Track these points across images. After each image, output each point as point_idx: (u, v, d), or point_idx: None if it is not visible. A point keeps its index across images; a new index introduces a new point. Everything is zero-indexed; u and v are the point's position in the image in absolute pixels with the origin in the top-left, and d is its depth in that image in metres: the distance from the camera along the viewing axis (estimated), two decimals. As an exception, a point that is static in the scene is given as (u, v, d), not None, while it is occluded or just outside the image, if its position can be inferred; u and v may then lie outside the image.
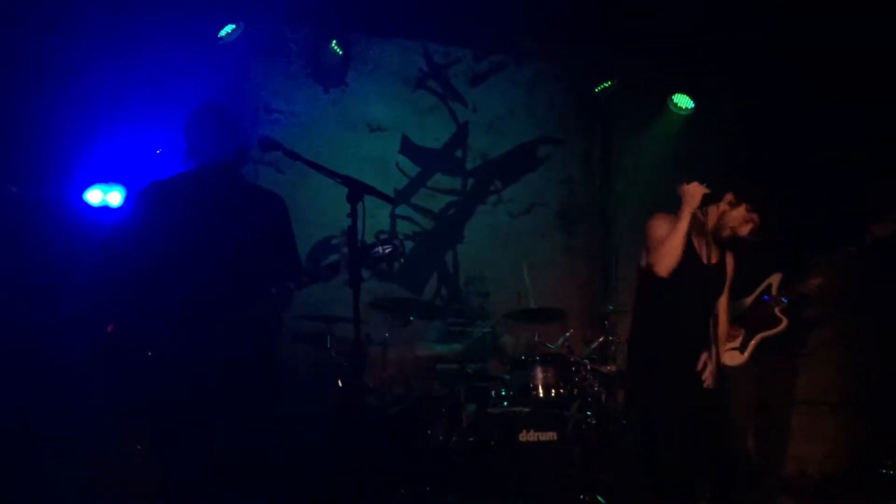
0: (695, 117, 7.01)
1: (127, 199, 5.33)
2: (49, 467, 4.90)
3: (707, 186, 3.81)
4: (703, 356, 3.89)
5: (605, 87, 7.16)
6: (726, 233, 4.02)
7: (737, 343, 4.67)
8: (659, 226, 3.93)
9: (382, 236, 6.45)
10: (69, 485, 4.93)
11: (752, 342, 4.65)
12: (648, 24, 6.26)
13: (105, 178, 5.29)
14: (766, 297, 4.74)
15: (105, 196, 5.34)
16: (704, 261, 3.88)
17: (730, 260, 4.04)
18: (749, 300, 4.74)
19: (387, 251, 3.29)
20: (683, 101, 7.03)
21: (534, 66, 7.31)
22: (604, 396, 5.57)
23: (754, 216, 4.26)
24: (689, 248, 3.89)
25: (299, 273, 3.36)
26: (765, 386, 4.86)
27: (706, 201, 3.79)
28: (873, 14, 5.31)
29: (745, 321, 4.70)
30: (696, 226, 3.93)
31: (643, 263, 4.04)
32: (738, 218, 4.02)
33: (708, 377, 3.84)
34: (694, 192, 3.79)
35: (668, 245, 3.79)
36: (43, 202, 5.14)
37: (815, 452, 6.09)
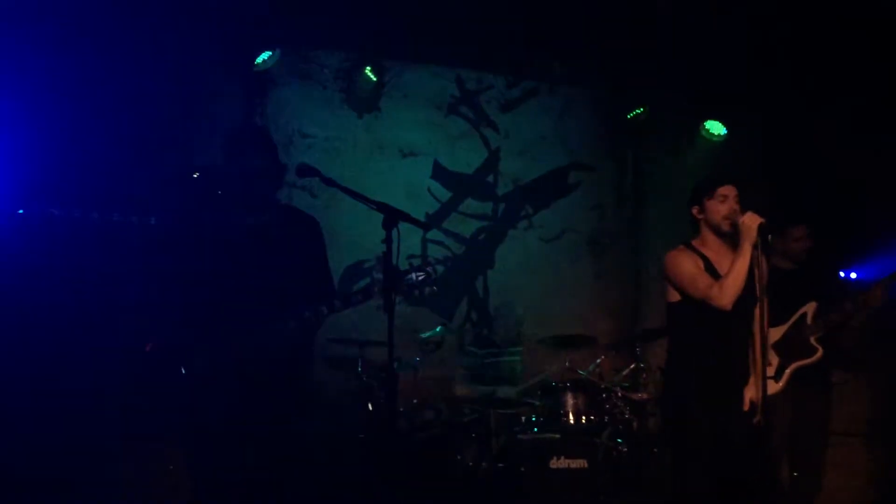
0: (727, 145, 6.99)
1: (163, 221, 5.42)
2: (82, 487, 4.95)
3: (761, 216, 3.81)
4: (748, 393, 3.87)
5: (636, 113, 7.16)
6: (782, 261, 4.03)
7: (771, 371, 4.63)
8: (683, 261, 3.97)
9: (415, 262, 6.49)
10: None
11: (788, 371, 4.61)
12: (680, 52, 6.28)
13: (145, 201, 5.39)
14: (801, 325, 4.71)
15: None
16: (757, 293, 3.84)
17: (759, 272, 3.91)
18: (784, 329, 4.71)
19: (420, 278, 3.31)
20: (716, 128, 7.01)
21: (565, 93, 7.34)
22: (635, 424, 5.52)
23: (809, 240, 4.32)
24: (713, 272, 3.92)
25: (332, 296, 3.40)
26: (799, 416, 4.81)
27: (762, 231, 3.77)
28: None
29: (780, 350, 4.67)
30: (711, 247, 3.96)
31: (672, 298, 4.05)
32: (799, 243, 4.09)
33: (757, 415, 3.79)
34: (751, 223, 3.79)
35: (732, 279, 3.79)
36: (83, 222, 5.24)
37: (847, 484, 5.99)
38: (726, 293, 3.81)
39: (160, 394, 3.35)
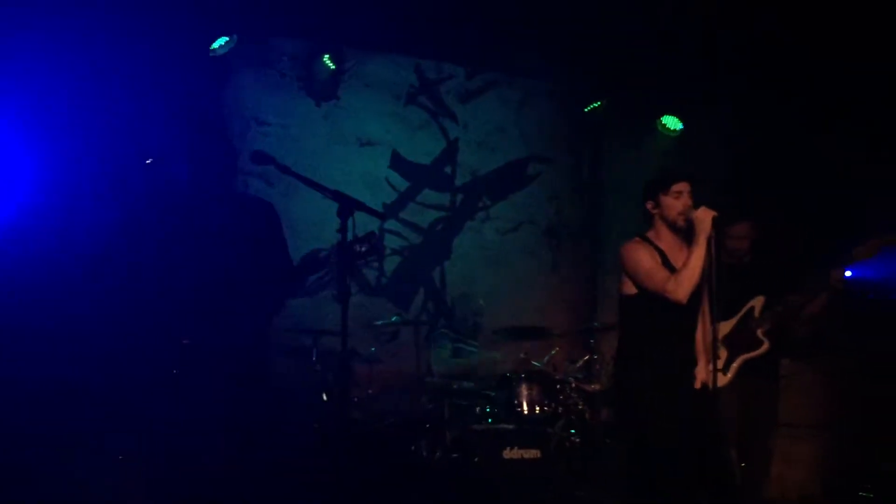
0: (684, 139, 7.07)
1: (119, 210, 5.32)
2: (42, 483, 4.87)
3: (714, 209, 3.89)
4: (700, 375, 4.00)
5: (594, 106, 7.22)
6: (726, 257, 4.11)
7: (720, 364, 4.70)
8: (641, 255, 4.03)
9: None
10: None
11: (735, 363, 4.69)
12: (638, 46, 6.33)
13: (96, 189, 5.28)
14: (748, 318, 4.79)
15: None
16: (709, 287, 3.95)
17: (710, 267, 4.01)
18: (732, 322, 4.79)
19: (363, 249, 3.30)
20: (672, 123, 7.09)
21: (525, 85, 7.36)
22: (588, 414, 5.58)
23: (752, 234, 4.40)
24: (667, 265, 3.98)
25: (292, 274, 3.41)
26: (747, 408, 4.90)
27: (716, 225, 3.85)
28: (859, 42, 5.40)
29: (728, 343, 4.74)
30: (664, 240, 4.02)
31: (628, 290, 4.10)
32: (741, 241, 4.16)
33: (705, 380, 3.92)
34: (704, 216, 3.87)
35: (689, 272, 3.86)
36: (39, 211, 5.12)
37: (795, 475, 6.12)
38: (682, 287, 3.87)
39: (115, 385, 3.31)
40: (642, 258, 4.03)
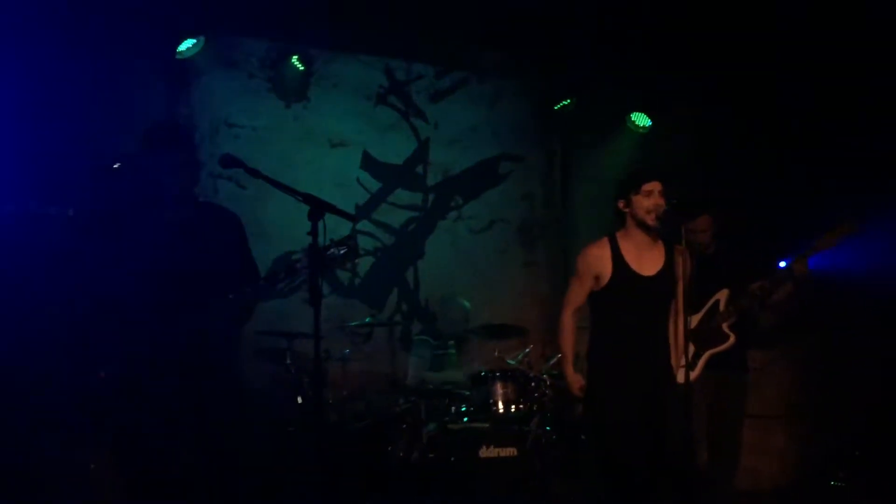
0: (654, 136, 7.12)
1: (81, 214, 5.26)
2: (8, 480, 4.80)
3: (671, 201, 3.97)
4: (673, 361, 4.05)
5: (564, 104, 7.25)
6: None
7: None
8: (580, 262, 4.24)
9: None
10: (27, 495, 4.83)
11: (702, 358, 4.70)
12: (607, 43, 6.37)
13: (60, 192, 5.22)
14: (713, 313, 4.82)
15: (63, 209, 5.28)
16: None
17: (681, 263, 4.10)
18: (698, 317, 4.81)
19: (342, 252, 3.29)
20: (641, 120, 7.14)
21: (495, 84, 7.37)
22: (563, 412, 5.61)
23: (713, 227, 4.46)
24: (622, 264, 4.06)
25: (257, 278, 3.39)
26: (716, 400, 4.94)
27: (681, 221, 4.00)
28: (820, 38, 5.48)
29: (694, 338, 4.77)
30: (633, 240, 4.07)
31: (596, 287, 4.16)
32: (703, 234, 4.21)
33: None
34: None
35: (565, 337, 4.32)
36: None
37: (767, 465, 6.19)
38: (561, 323, 4.26)
39: (80, 391, 3.27)
40: (579, 266, 4.24)
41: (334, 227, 3.25)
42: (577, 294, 4.23)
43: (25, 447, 4.70)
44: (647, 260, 4.08)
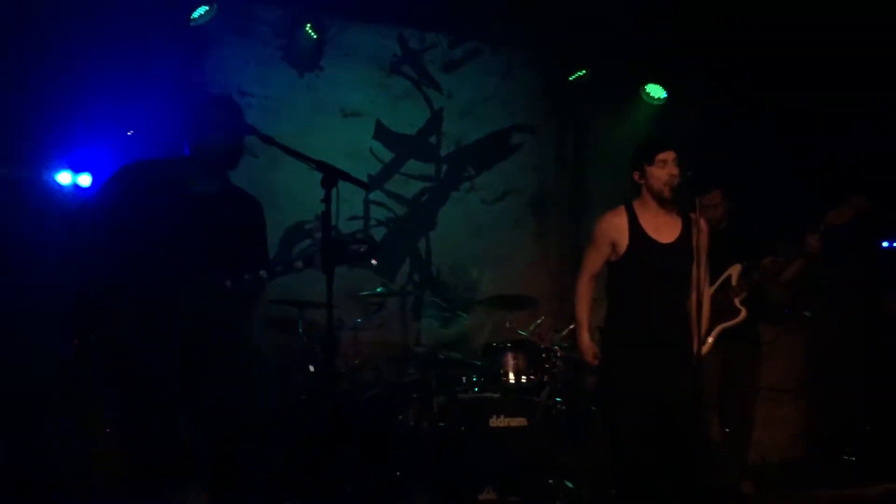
0: (668, 107, 7.06)
1: (97, 181, 5.28)
2: (14, 454, 4.88)
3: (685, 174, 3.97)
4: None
5: (578, 75, 7.18)
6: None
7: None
8: (596, 231, 4.21)
9: (355, 224, 6.45)
10: (34, 467, 4.91)
11: (713, 332, 4.70)
12: (622, 14, 6.30)
13: (77, 160, 5.25)
14: (725, 287, 4.81)
15: (75, 178, 5.31)
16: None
17: (697, 234, 4.04)
18: (711, 291, 4.80)
19: (363, 249, 3.29)
20: (656, 91, 7.08)
21: (508, 54, 7.31)
22: (574, 383, 5.62)
23: (725, 202, 4.40)
24: (640, 231, 4.04)
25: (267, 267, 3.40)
26: (728, 374, 4.94)
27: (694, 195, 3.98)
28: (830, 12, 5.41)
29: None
30: (650, 209, 4.05)
31: (612, 257, 4.14)
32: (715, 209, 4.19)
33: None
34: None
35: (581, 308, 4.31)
36: (15, 182, 5.09)
37: (777, 439, 6.21)
38: (577, 290, 4.25)
39: (93, 357, 3.29)
40: (595, 235, 4.20)
41: (346, 196, 3.25)
42: (594, 262, 4.21)
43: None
44: (664, 228, 4.07)
